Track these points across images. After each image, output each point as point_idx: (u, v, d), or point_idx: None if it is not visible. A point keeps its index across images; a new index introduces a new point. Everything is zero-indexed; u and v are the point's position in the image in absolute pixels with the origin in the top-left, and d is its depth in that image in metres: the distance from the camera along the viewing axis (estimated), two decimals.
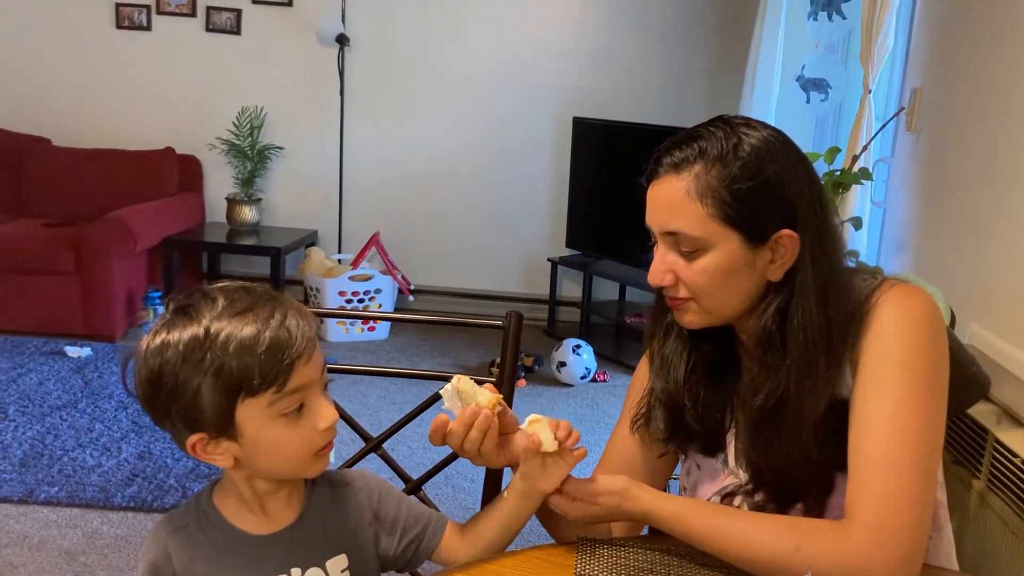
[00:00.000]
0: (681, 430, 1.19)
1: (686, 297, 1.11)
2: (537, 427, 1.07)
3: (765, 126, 1.11)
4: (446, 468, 1.51)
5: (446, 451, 1.54)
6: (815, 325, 1.07)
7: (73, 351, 3.97)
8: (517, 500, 1.13)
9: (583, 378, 4.06)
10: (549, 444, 1.06)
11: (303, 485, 1.10)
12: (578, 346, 4.07)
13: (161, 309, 4.21)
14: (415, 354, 4.39)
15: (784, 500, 1.11)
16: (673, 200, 1.09)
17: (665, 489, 1.27)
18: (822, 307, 1.07)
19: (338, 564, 1.09)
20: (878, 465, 1.00)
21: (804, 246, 1.08)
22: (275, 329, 0.97)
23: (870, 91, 3.08)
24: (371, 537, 1.13)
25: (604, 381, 4.13)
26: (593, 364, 4.09)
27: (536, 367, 4.17)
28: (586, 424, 3.64)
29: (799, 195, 1.08)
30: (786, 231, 1.07)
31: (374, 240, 4.71)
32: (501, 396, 1.10)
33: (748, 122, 1.11)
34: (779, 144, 1.09)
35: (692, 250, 1.09)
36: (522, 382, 4.03)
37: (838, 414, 1.06)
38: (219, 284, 1.03)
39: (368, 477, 1.17)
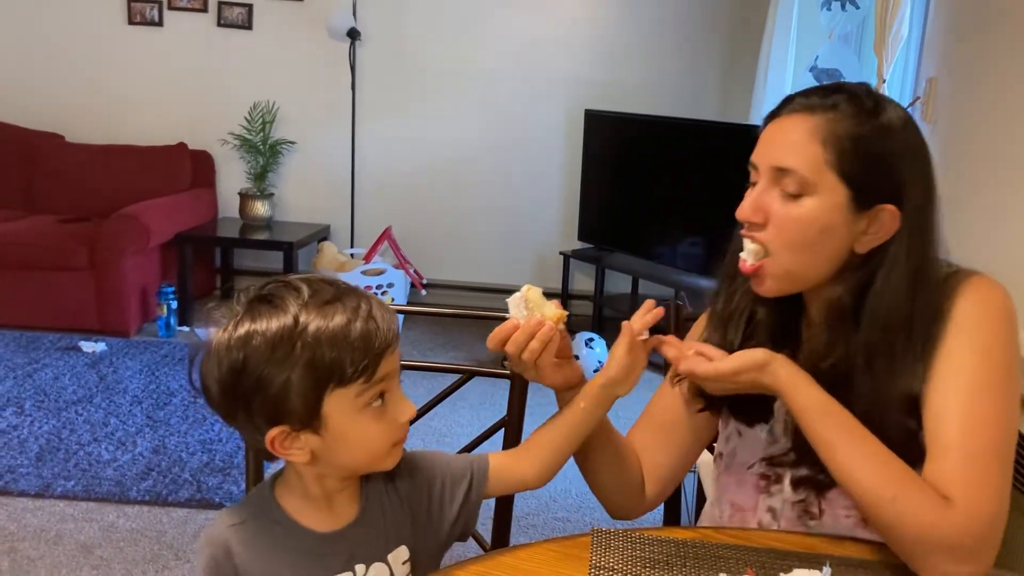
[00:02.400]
0: (726, 395, 1.17)
1: (761, 264, 1.10)
2: (539, 310, 1.09)
3: (902, 107, 1.12)
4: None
5: (459, 444, 1.54)
6: (898, 309, 1.06)
7: (88, 346, 3.99)
8: (591, 404, 1.14)
9: (596, 371, 4.04)
10: (549, 312, 1.09)
11: (359, 480, 1.08)
12: (591, 339, 4.06)
13: (175, 304, 4.22)
14: (427, 348, 4.39)
15: (826, 476, 1.09)
16: (795, 137, 1.08)
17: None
18: (909, 293, 1.07)
19: (399, 556, 1.08)
20: (963, 451, 1.00)
21: (903, 227, 1.07)
22: (364, 320, 0.97)
23: (884, 81, 3.06)
24: (424, 521, 1.11)
25: None
26: (605, 357, 4.06)
27: None
28: None
29: (914, 178, 1.08)
30: (889, 206, 1.07)
31: (386, 234, 4.71)
32: (566, 314, 1.10)
33: (888, 98, 1.12)
34: (911, 127, 1.10)
35: (796, 192, 1.07)
36: None
37: (903, 405, 1.06)
38: (299, 275, 1.02)
39: (410, 455, 1.13)
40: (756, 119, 4.01)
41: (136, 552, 2.48)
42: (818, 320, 1.14)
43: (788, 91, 3.84)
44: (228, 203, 4.97)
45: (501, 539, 1.46)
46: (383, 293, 4.54)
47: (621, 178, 4.59)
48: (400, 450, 1.05)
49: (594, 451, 1.20)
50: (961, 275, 1.10)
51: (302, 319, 0.95)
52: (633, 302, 4.72)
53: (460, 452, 1.50)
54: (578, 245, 4.81)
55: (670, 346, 1.12)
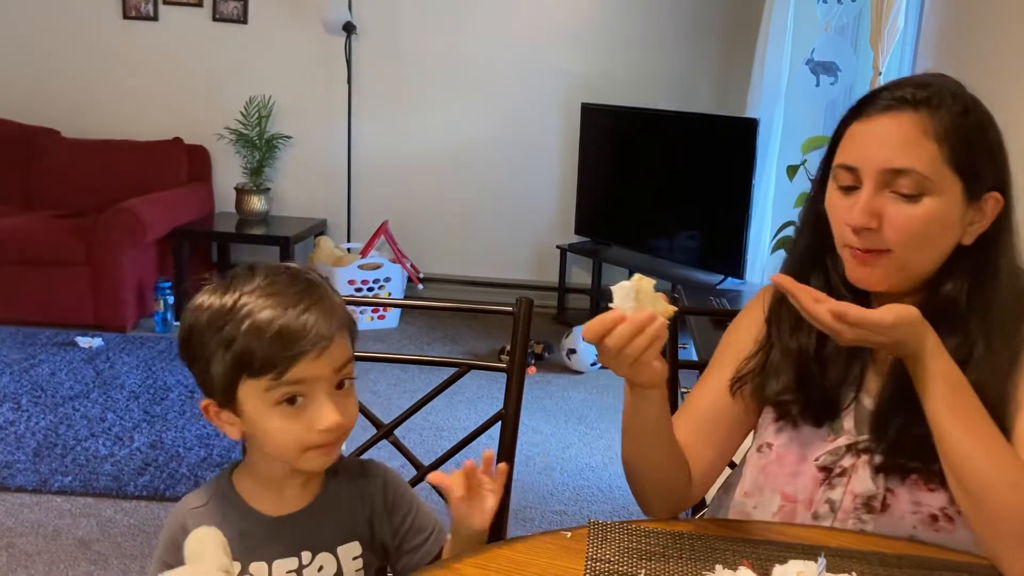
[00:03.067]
0: (803, 395, 1.17)
1: (883, 249, 1.08)
2: (649, 304, 1.00)
3: None
4: (455, 456, 1.51)
5: (456, 438, 1.54)
6: (1004, 301, 1.08)
7: (84, 341, 3.99)
8: (459, 542, 1.09)
9: (593, 365, 4.05)
10: (660, 308, 1.01)
11: (323, 471, 1.10)
12: None
13: (171, 299, 4.22)
14: (425, 342, 4.40)
15: (914, 462, 1.10)
16: (908, 136, 1.06)
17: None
18: (1011, 281, 1.09)
19: (350, 551, 1.09)
20: None
21: (1005, 213, 1.09)
22: (291, 319, 0.98)
23: (880, 73, 3.06)
24: (380, 532, 1.13)
25: None
26: None
27: (546, 354, 4.17)
28: (597, 411, 3.64)
29: (1006, 164, 1.10)
30: (995, 193, 1.08)
31: (383, 229, 4.71)
32: (676, 310, 1.05)
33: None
34: (991, 115, 1.12)
35: (915, 193, 1.06)
36: (532, 369, 4.02)
37: (995, 401, 1.07)
38: (274, 264, 1.05)
39: (389, 474, 1.16)
40: (752, 112, 4.01)
41: (134, 547, 2.49)
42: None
43: (784, 84, 3.87)
44: (224, 198, 4.96)
45: (498, 532, 1.46)
46: (380, 287, 4.54)
47: (618, 171, 4.59)
48: (324, 455, 1.04)
49: (655, 451, 1.15)
50: None
51: (239, 303, 0.99)
52: None
53: (457, 446, 1.51)
54: (575, 239, 4.81)
55: (802, 290, 1.05)
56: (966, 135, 1.06)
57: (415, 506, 1.15)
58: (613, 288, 1.01)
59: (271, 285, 1.00)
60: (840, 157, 1.11)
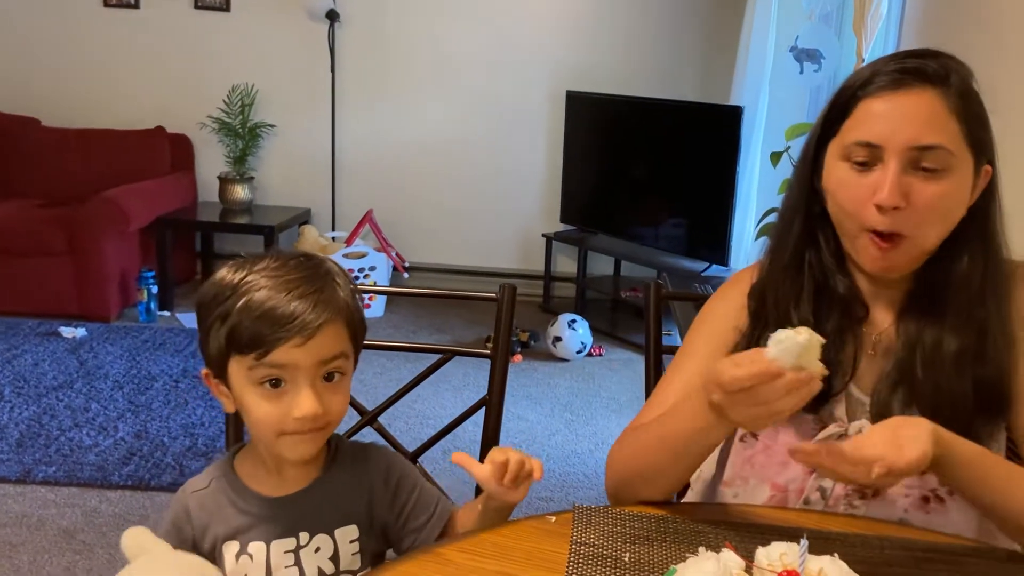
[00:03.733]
0: None
1: (899, 233, 1.07)
2: (806, 360, 0.92)
3: None
4: (441, 441, 1.52)
5: (441, 424, 1.54)
6: (997, 271, 1.11)
7: (68, 332, 3.96)
8: (492, 514, 1.10)
9: (579, 353, 4.06)
10: (816, 367, 0.93)
11: (324, 453, 1.12)
12: (573, 321, 4.07)
13: (155, 289, 4.21)
14: (411, 331, 4.39)
15: None
16: (936, 112, 1.05)
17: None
18: (1000, 250, 1.12)
19: (347, 534, 1.10)
20: None
21: (993, 182, 1.10)
22: (282, 303, 0.99)
23: (863, 60, 3.06)
24: (381, 516, 1.14)
25: (600, 355, 4.13)
26: (589, 339, 4.09)
27: (532, 342, 4.18)
28: (582, 398, 3.65)
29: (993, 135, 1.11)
30: (988, 165, 1.10)
31: (368, 217, 4.70)
32: (827, 372, 0.96)
33: None
34: None
35: (940, 168, 1.05)
36: (518, 357, 4.03)
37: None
38: (296, 251, 1.09)
39: (393, 457, 1.17)
40: (737, 99, 4.02)
41: (119, 537, 2.46)
42: (909, 294, 1.15)
43: (769, 72, 3.87)
44: (208, 187, 4.92)
45: None
46: (365, 276, 4.53)
47: (603, 160, 4.59)
48: (302, 443, 1.04)
49: (681, 467, 1.12)
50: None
51: (244, 281, 1.01)
52: (616, 283, 4.74)
53: (441, 432, 1.51)
54: (560, 227, 4.81)
55: (830, 459, 0.98)
56: (976, 110, 1.07)
57: (418, 486, 1.16)
58: (774, 335, 0.93)
59: (278, 268, 1.03)
60: (856, 134, 1.08)
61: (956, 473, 1.03)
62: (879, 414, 1.12)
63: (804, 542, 0.84)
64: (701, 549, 0.93)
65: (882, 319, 1.18)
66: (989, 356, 1.10)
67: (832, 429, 1.15)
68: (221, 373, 1.04)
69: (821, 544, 1.01)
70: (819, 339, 0.92)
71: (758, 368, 0.91)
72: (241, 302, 0.99)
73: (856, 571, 0.87)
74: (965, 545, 1.05)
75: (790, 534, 0.97)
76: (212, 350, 1.03)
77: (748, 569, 0.88)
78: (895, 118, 1.06)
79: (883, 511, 1.13)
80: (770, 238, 1.24)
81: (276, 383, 1.01)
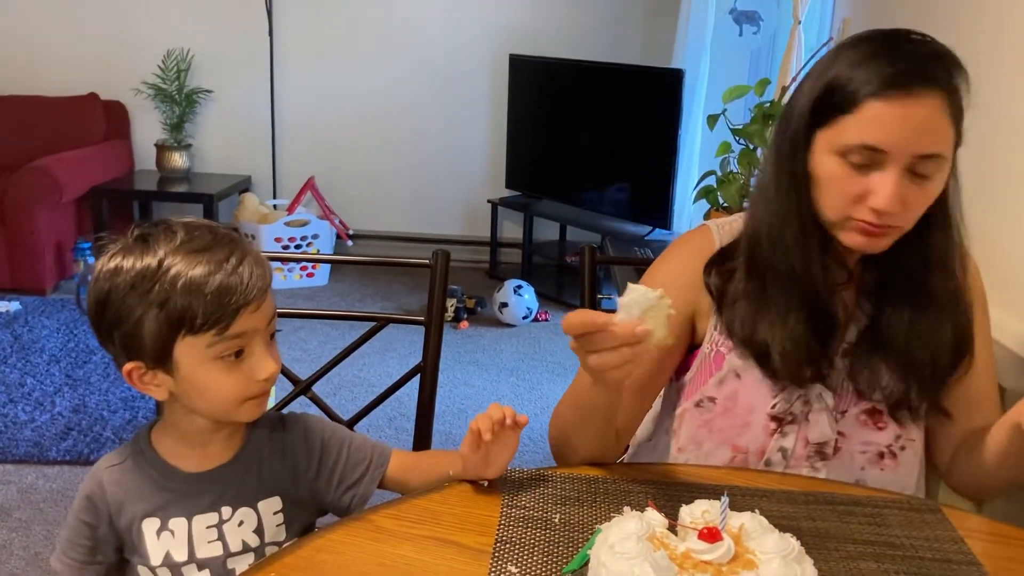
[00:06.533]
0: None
1: (888, 224, 1.08)
2: (651, 316, 0.93)
3: None
4: (384, 408, 1.51)
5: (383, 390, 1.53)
6: (957, 250, 1.16)
7: (1, 306, 3.86)
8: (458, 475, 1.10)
9: (525, 318, 4.07)
10: (660, 331, 0.94)
11: (244, 427, 1.11)
12: (519, 287, 4.08)
13: (92, 260, 4.11)
14: (355, 299, 4.36)
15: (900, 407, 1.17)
16: (939, 121, 1.05)
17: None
18: (959, 231, 1.16)
19: (271, 506, 1.10)
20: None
21: (955, 166, 1.12)
22: (227, 273, 0.99)
23: (799, 22, 3.09)
24: (308, 484, 1.13)
25: (546, 321, 4.15)
26: (535, 304, 4.10)
27: (478, 309, 4.18)
28: (528, 363, 3.66)
29: None
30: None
31: (309, 184, 4.63)
32: (672, 343, 0.97)
33: None
34: None
35: (932, 173, 1.07)
36: (464, 324, 4.03)
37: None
38: (185, 219, 1.04)
39: (312, 422, 1.16)
40: (678, 62, 4.02)
41: (57, 513, 2.44)
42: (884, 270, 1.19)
43: (709, 35, 3.87)
44: (144, 155, 4.81)
45: None
46: (308, 245, 4.48)
47: (547, 124, 4.58)
48: (259, 405, 1.06)
49: (597, 426, 1.13)
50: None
51: (166, 263, 0.98)
52: (561, 249, 4.74)
53: (377, 400, 1.51)
54: (506, 193, 4.79)
55: None
56: (961, 106, 1.07)
57: (346, 441, 1.16)
58: (630, 285, 0.94)
59: (192, 241, 1.00)
60: (860, 135, 1.05)
61: None
62: (851, 375, 1.17)
63: (725, 499, 0.86)
64: (626, 509, 0.94)
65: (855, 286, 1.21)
66: (961, 310, 1.17)
67: (793, 389, 1.16)
68: (160, 361, 1.01)
69: (747, 500, 1.04)
70: (668, 303, 0.94)
71: (589, 316, 0.94)
72: (181, 283, 0.97)
73: (778, 526, 0.89)
74: (886, 497, 1.08)
75: (715, 492, 0.99)
76: (147, 340, 0.99)
77: (671, 527, 0.89)
78: (905, 127, 1.04)
79: (842, 470, 1.17)
80: (751, 215, 1.20)
81: (239, 353, 1.01)
